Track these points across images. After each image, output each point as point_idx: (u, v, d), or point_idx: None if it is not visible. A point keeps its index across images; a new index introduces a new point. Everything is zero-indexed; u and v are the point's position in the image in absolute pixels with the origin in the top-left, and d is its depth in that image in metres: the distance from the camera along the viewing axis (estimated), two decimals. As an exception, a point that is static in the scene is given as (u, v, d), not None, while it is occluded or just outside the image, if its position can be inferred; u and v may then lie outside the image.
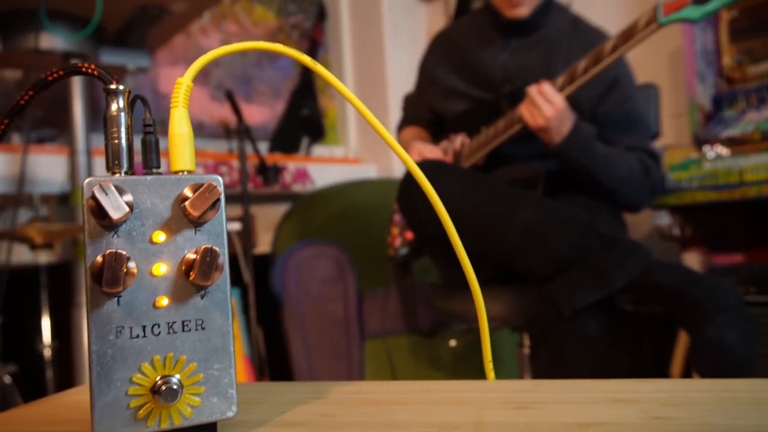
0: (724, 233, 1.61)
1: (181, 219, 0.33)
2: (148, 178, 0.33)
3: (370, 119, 0.39)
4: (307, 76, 2.75)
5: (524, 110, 1.18)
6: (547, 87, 1.14)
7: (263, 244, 2.01)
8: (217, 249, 0.32)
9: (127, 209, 0.31)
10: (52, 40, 1.46)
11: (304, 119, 2.71)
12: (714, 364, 0.87)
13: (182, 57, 2.43)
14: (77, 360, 1.53)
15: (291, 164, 2.29)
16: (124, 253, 0.30)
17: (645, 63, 1.81)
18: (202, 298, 0.33)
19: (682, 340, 1.48)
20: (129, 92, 0.35)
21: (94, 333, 0.31)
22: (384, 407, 0.37)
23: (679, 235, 1.52)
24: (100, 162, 1.82)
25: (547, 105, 1.13)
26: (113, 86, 0.34)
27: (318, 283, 1.79)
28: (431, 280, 1.54)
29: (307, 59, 0.38)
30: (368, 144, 2.73)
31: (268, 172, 1.96)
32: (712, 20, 1.73)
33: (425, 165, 1.17)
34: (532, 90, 1.16)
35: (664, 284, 0.94)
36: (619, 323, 1.09)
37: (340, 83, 0.39)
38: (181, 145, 0.35)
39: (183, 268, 0.33)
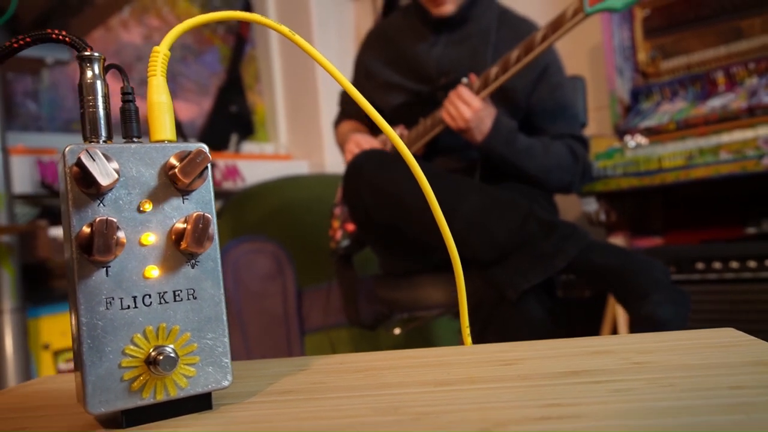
0: (644, 218, 1.71)
1: (168, 188, 0.32)
2: (132, 146, 0.32)
3: (356, 96, 0.40)
4: (234, 73, 2.70)
5: (444, 114, 1.22)
6: (464, 90, 1.19)
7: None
8: (209, 216, 0.32)
9: (115, 176, 0.30)
10: (-37, 30, 1.37)
11: (233, 116, 2.65)
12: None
13: (102, 51, 2.33)
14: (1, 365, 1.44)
15: (221, 161, 2.24)
16: (114, 220, 0.29)
17: (567, 58, 1.89)
18: (193, 267, 0.33)
19: (608, 321, 1.57)
20: (104, 60, 0.34)
21: (82, 305, 0.30)
22: (372, 372, 0.37)
23: (605, 220, 1.60)
24: (16, 160, 1.72)
25: (464, 107, 1.18)
26: (87, 53, 0.33)
27: (256, 279, 1.76)
28: (372, 272, 1.55)
29: (285, 30, 0.38)
30: (299, 140, 2.71)
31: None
32: (627, 17, 1.84)
33: (369, 155, 1.18)
34: (452, 94, 1.21)
35: (602, 264, 0.99)
36: (557, 306, 1.14)
37: (321, 56, 0.39)
38: (160, 114, 0.34)
39: (173, 237, 0.32)
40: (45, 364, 1.64)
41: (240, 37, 2.76)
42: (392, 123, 1.41)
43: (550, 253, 1.02)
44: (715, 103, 1.53)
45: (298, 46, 0.38)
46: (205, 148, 0.32)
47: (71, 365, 1.70)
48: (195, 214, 0.31)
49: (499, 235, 1.05)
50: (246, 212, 1.99)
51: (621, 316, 1.54)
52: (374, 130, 1.51)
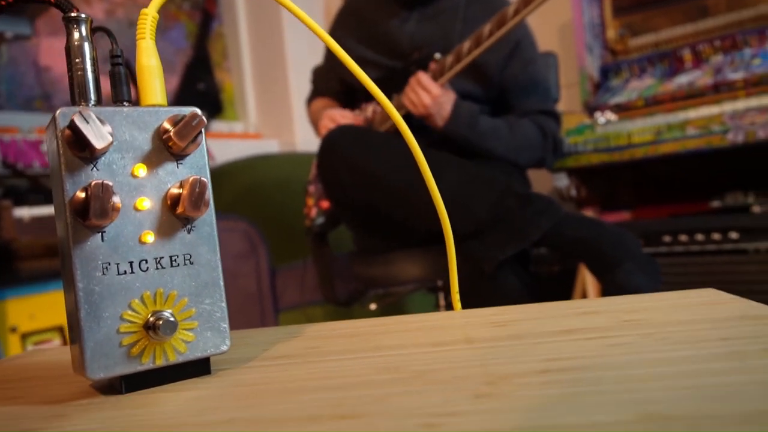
0: (614, 193, 1.74)
1: (162, 152, 0.32)
2: (125, 109, 0.31)
3: (354, 69, 0.39)
4: (201, 50, 2.65)
5: (405, 100, 1.23)
6: (423, 76, 1.21)
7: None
8: (205, 180, 0.31)
9: (110, 138, 0.29)
10: None
11: (201, 93, 2.60)
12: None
13: (62, 27, 2.26)
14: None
15: (190, 140, 2.20)
16: (110, 183, 0.29)
17: (537, 36, 1.91)
18: (189, 232, 0.32)
19: (578, 294, 1.60)
20: (91, 21, 0.33)
21: (78, 270, 0.29)
22: (367, 337, 0.38)
23: (576, 196, 1.63)
24: (-22, 139, 1.66)
25: (424, 93, 1.19)
26: (74, 14, 0.32)
27: (228, 258, 1.75)
28: (346, 250, 1.55)
29: (290, 4, 0.38)
30: (268, 119, 2.68)
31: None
32: (597, -5, 1.85)
33: (345, 130, 1.18)
34: (413, 79, 1.21)
35: (576, 236, 1.01)
36: (531, 280, 1.15)
37: (309, 18, 0.38)
38: (150, 78, 0.34)
39: (168, 202, 0.32)
40: (12, 347, 1.61)
41: (207, 13, 2.70)
42: (366, 100, 1.41)
43: (524, 227, 1.04)
44: (682, 80, 1.56)
45: (288, 10, 0.38)
46: (198, 111, 0.32)
47: (40, 348, 1.67)
48: (191, 178, 0.31)
49: (477, 209, 1.07)
50: (217, 191, 1.95)
51: (591, 289, 1.58)
52: (347, 107, 1.50)
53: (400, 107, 1.26)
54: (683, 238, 1.41)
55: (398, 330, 0.39)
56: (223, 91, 2.70)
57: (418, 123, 1.27)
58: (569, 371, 0.26)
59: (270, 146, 2.55)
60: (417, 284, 1.41)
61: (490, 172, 1.13)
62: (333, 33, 1.50)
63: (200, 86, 2.62)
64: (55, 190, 0.31)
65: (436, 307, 1.42)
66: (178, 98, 2.55)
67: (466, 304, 1.10)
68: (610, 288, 0.95)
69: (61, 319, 1.73)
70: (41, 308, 1.70)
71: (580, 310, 0.39)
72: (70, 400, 0.30)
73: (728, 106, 1.39)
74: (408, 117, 1.30)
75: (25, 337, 1.65)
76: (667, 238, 1.43)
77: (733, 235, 1.34)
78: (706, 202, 1.56)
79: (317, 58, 1.67)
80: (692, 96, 1.49)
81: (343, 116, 1.32)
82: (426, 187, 1.08)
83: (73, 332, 0.30)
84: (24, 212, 1.61)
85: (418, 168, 1.13)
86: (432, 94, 1.19)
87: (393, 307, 1.80)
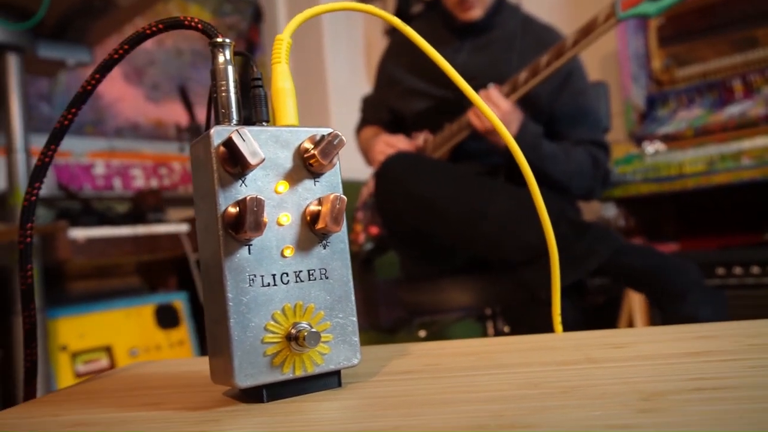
0: (661, 224, 1.73)
1: (302, 170, 0.33)
2: (269, 129, 0.33)
3: (469, 92, 0.41)
4: (244, 78, 2.71)
5: (472, 115, 1.23)
6: (493, 91, 1.20)
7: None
8: (344, 198, 0.33)
9: (262, 155, 0.31)
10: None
11: (243, 123, 2.65)
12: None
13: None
14: (20, 368, 1.43)
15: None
16: (263, 199, 0.30)
17: (582, 66, 1.92)
18: (324, 248, 0.33)
19: (623, 324, 1.58)
20: (234, 45, 0.35)
21: (229, 281, 0.30)
22: (483, 355, 0.38)
23: (624, 226, 1.62)
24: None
25: (492, 108, 1.18)
26: (219, 39, 0.34)
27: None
28: (390, 276, 1.55)
29: (397, 21, 0.39)
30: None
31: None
32: (642, 26, 1.86)
33: (403, 157, 1.19)
34: (480, 94, 1.21)
35: (636, 266, 1.00)
36: (584, 309, 1.15)
37: (432, 49, 0.40)
38: (284, 100, 0.35)
39: (307, 218, 0.33)
40: (63, 366, 1.64)
41: (250, 42, 2.77)
42: (416, 128, 1.42)
43: (582, 255, 1.03)
44: (733, 110, 1.55)
45: (409, 37, 0.39)
46: (338, 132, 0.33)
47: (89, 367, 1.69)
48: (332, 196, 0.32)
49: (530, 236, 1.07)
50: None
51: (638, 320, 1.55)
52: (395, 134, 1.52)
53: (463, 127, 1.26)
54: (738, 270, 1.39)
55: (512, 350, 0.39)
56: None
57: (473, 148, 1.28)
58: (723, 390, 0.26)
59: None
60: (464, 312, 1.41)
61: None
62: (384, 63, 1.53)
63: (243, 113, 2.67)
64: (202, 204, 0.32)
65: (484, 336, 1.41)
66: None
67: (519, 330, 1.10)
68: (674, 319, 0.94)
69: (109, 339, 1.76)
70: (90, 328, 1.73)
71: (693, 334, 0.39)
72: (212, 407, 0.31)
73: (783, 137, 1.38)
74: (461, 145, 1.31)
75: (75, 356, 1.68)
76: (720, 270, 1.41)
77: (791, 267, 1.32)
78: (757, 234, 1.54)
79: (358, 87, 1.71)
80: (744, 126, 1.48)
81: (398, 141, 1.34)
82: (480, 213, 1.08)
83: (217, 342, 0.31)
84: (78, 233, 1.65)
85: (472, 194, 1.14)
86: (501, 109, 1.18)
87: (438, 335, 1.79)
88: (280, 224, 0.32)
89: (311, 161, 0.33)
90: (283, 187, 0.32)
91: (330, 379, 0.33)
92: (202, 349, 1.91)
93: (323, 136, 0.33)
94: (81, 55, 1.68)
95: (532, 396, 0.28)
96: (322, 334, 0.32)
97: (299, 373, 0.32)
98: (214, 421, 0.29)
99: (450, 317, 1.48)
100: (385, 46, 1.58)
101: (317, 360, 0.32)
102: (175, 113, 2.49)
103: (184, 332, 1.91)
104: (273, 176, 0.32)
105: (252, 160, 0.30)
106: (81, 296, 1.87)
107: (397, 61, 1.49)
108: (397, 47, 1.53)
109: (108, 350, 1.74)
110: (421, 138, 1.39)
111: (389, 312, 1.52)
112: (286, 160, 0.33)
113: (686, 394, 0.26)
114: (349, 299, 0.34)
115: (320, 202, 0.33)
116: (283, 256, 0.32)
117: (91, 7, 1.55)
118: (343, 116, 2.03)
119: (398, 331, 1.54)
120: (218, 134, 0.31)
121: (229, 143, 0.30)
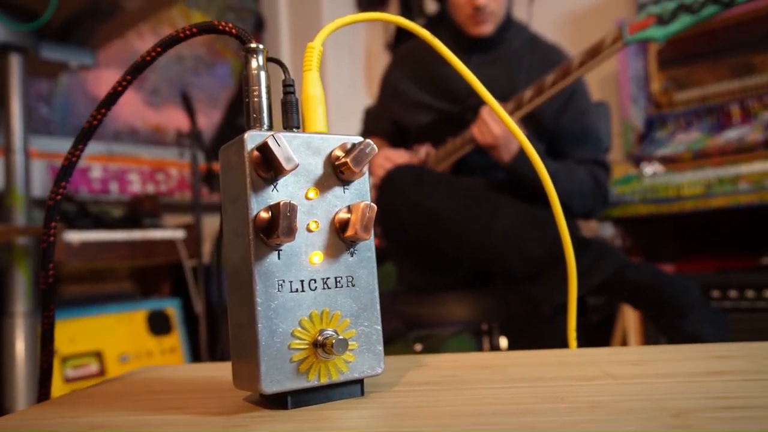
0: (658, 245, 1.74)
1: (332, 177, 0.33)
2: (301, 135, 0.33)
3: (493, 104, 0.41)
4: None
5: (475, 129, 1.24)
6: (486, 112, 1.21)
7: (206, 254, 1.95)
8: (374, 206, 0.33)
9: (297, 161, 0.31)
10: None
11: (242, 129, 2.65)
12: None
13: (115, 59, 2.33)
14: (9, 372, 1.42)
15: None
16: (296, 204, 0.30)
17: (582, 86, 1.94)
18: (352, 255, 0.33)
19: (617, 342, 1.59)
20: (267, 51, 0.35)
21: (258, 286, 0.30)
22: (498, 369, 0.38)
23: (621, 245, 1.63)
24: (37, 164, 1.71)
25: (495, 124, 1.19)
26: (253, 45, 0.34)
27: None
28: (388, 288, 1.55)
29: (426, 33, 0.40)
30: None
31: (214, 180, 1.92)
32: (642, 49, 1.88)
33: (405, 169, 1.20)
34: (483, 110, 1.22)
35: (639, 283, 1.01)
36: (584, 325, 1.15)
37: (455, 58, 0.40)
38: (314, 107, 0.35)
39: (336, 225, 0.33)
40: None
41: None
42: (419, 141, 1.43)
43: (585, 271, 1.04)
44: (731, 134, 1.57)
45: (436, 49, 0.40)
46: (370, 141, 0.33)
47: (79, 372, 1.67)
48: (362, 204, 0.32)
49: (534, 250, 1.07)
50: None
51: (632, 337, 1.56)
52: (397, 146, 1.52)
53: (466, 141, 1.27)
54: (733, 293, 1.39)
55: (526, 364, 0.39)
56: (263, 127, 2.75)
57: (475, 163, 1.29)
58: (752, 409, 0.26)
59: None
60: (461, 326, 1.40)
61: (546, 213, 1.13)
62: (389, 74, 1.54)
63: (241, 121, 2.68)
64: (231, 208, 0.32)
65: (480, 351, 1.41)
66: (221, 133, 2.60)
67: (519, 345, 1.11)
68: (675, 337, 0.94)
69: (100, 344, 1.74)
70: (81, 332, 1.72)
71: (707, 353, 0.39)
72: (236, 412, 0.31)
73: (780, 163, 1.39)
74: (463, 159, 1.32)
75: (64, 360, 1.66)
76: (716, 293, 1.42)
77: (786, 292, 1.33)
78: (753, 258, 1.55)
79: (357, 97, 1.71)
80: (742, 151, 1.50)
81: (399, 155, 1.34)
82: (485, 226, 1.08)
83: (243, 347, 0.31)
84: (74, 236, 1.64)
85: (476, 208, 1.14)
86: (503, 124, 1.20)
87: (433, 348, 1.79)
88: (309, 230, 0.32)
89: (342, 168, 0.33)
90: (313, 193, 0.33)
91: (353, 388, 0.33)
92: (194, 356, 1.90)
93: (354, 144, 0.33)
94: (84, 58, 1.68)
95: (560, 410, 0.28)
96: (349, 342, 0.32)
97: (324, 381, 0.32)
98: (241, 426, 0.28)
99: (446, 332, 1.48)
100: (391, 58, 1.59)
101: (342, 368, 0.32)
102: (174, 118, 2.49)
103: (176, 339, 1.89)
104: (304, 182, 0.32)
105: (286, 166, 0.30)
106: (73, 300, 1.85)
107: (402, 73, 1.50)
108: (405, 59, 1.54)
109: (98, 355, 1.73)
110: (423, 151, 1.40)
111: (385, 324, 1.51)
112: (317, 167, 0.33)
113: (715, 412, 0.26)
114: (374, 308, 0.34)
115: (350, 209, 0.33)
116: (311, 262, 0.32)
117: (97, 10, 1.56)
118: (342, 127, 2.04)
119: (393, 343, 1.54)
120: (252, 138, 0.31)
121: (264, 148, 0.30)
